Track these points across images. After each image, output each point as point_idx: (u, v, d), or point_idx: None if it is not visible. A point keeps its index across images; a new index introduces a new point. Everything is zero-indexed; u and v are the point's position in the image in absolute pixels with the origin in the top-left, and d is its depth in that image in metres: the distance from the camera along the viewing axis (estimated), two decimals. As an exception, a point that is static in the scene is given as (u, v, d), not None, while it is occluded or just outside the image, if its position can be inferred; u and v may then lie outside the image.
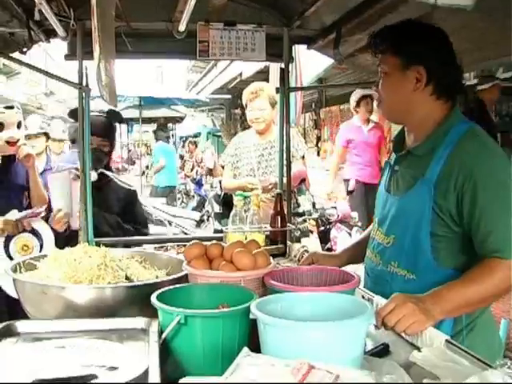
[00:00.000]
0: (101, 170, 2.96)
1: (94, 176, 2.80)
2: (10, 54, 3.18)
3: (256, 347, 1.24)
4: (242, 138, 4.19)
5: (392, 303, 1.55)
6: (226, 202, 4.30)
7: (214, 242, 1.81)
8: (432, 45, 1.80)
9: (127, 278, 1.77)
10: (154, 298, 1.43)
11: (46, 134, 4.92)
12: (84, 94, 3.03)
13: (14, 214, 2.62)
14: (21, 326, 1.47)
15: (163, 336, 1.34)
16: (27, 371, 1.17)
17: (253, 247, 1.81)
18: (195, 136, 17.79)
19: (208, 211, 6.09)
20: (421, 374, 1.35)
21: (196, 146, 14.97)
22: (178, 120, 15.24)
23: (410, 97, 1.82)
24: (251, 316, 1.28)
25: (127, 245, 2.79)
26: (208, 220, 7.84)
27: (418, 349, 1.48)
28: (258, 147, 3.98)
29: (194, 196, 11.08)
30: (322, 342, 1.19)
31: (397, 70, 1.82)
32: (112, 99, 2.28)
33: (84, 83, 3.03)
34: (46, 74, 3.19)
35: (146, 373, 1.13)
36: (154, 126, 16.46)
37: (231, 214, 3.45)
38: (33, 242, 2.49)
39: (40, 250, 2.49)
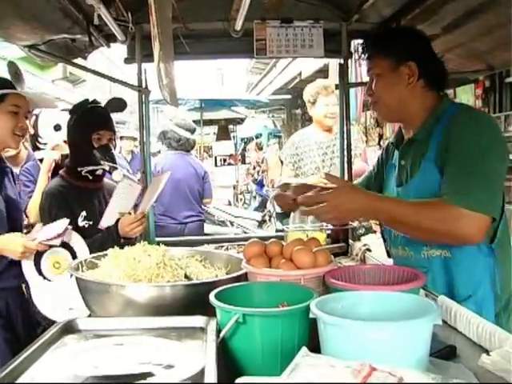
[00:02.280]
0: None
1: (119, 176, 2.53)
2: (73, 61, 3.28)
3: (315, 347, 1.20)
4: (302, 136, 4.13)
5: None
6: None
7: (274, 239, 1.78)
8: (416, 42, 1.95)
9: (186, 276, 1.76)
10: (212, 297, 1.41)
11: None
12: (144, 96, 3.09)
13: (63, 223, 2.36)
14: (82, 323, 1.49)
15: (221, 335, 1.32)
16: (85, 367, 1.17)
17: (313, 245, 1.77)
18: (256, 137, 17.84)
19: (270, 211, 6.07)
20: (490, 379, 1.27)
21: (261, 148, 14.97)
22: (239, 121, 15.31)
23: (405, 93, 1.93)
24: (311, 315, 1.24)
25: (188, 244, 2.79)
26: (270, 220, 7.83)
27: (487, 351, 1.40)
28: (320, 145, 3.92)
29: (255, 196, 11.10)
30: (385, 343, 1.13)
31: (389, 71, 1.93)
32: (173, 99, 2.31)
33: (143, 85, 3.08)
34: (107, 77, 3.25)
35: (202, 372, 1.11)
36: (215, 128, 16.66)
37: (292, 213, 3.41)
38: (65, 258, 2.29)
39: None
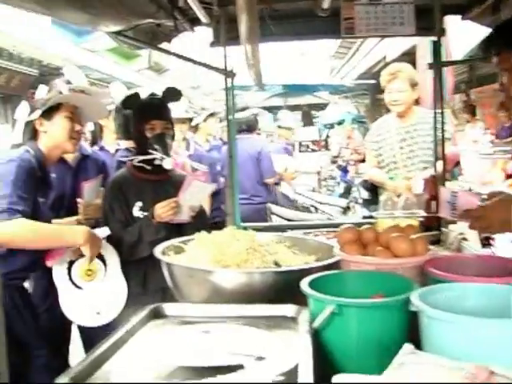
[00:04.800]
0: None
1: (169, 163, 2.52)
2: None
3: (414, 342, 1.09)
4: (382, 123, 3.95)
5: None
6: (375, 187, 4.08)
7: (368, 226, 1.67)
8: None
9: (275, 263, 1.69)
10: (304, 285, 1.33)
11: (190, 120, 5.02)
12: (230, 79, 3.04)
13: (104, 231, 2.44)
14: (168, 308, 1.45)
15: (314, 326, 1.23)
16: (172, 355, 1.13)
17: (410, 232, 1.65)
18: (339, 123, 17.53)
19: (355, 197, 5.89)
20: None
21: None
22: (322, 107, 15.10)
23: None
24: (412, 308, 1.13)
25: (272, 230, 2.72)
26: (354, 207, 7.64)
27: None
28: (399, 131, 3.72)
29: (339, 183, 10.90)
30: (497, 342, 1.02)
31: None
32: (259, 80, 2.25)
33: (229, 69, 3.03)
34: (192, 61, 3.22)
35: (296, 367, 1.04)
36: (298, 114, 16.51)
37: (382, 199, 3.26)
38: (97, 266, 2.30)
39: (105, 274, 2.33)
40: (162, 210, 2.38)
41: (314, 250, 1.93)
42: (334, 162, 12.67)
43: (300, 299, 1.36)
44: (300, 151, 13.10)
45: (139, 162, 2.55)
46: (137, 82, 10.81)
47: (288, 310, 1.39)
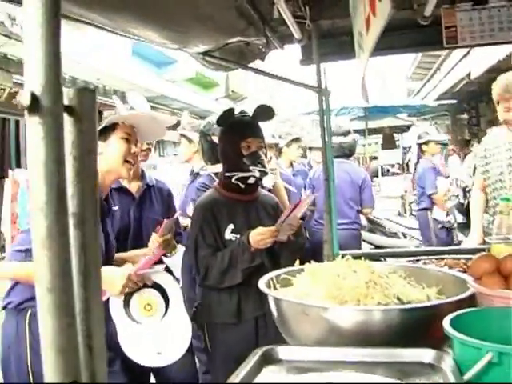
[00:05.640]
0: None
1: (270, 181, 2.45)
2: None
3: None
4: (492, 136, 3.64)
5: None
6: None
7: (508, 254, 1.43)
8: None
9: (398, 298, 1.47)
10: (447, 326, 1.11)
11: (276, 145, 4.92)
12: (323, 97, 2.88)
13: (127, 268, 2.19)
14: (283, 351, 1.26)
15: (466, 378, 1.01)
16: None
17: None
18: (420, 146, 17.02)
19: (449, 222, 5.56)
20: None
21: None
22: (404, 129, 14.66)
23: None
24: None
25: (372, 258, 2.49)
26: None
27: None
28: (509, 146, 3.40)
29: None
30: None
31: None
32: (364, 95, 2.13)
33: (323, 86, 2.88)
34: (284, 79, 3.10)
35: None
36: (379, 138, 16.14)
37: (495, 223, 2.96)
38: (157, 300, 2.13)
39: (166, 310, 2.15)
40: (261, 237, 2.24)
41: (433, 281, 1.69)
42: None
43: (431, 340, 1.14)
44: (382, 175, 12.73)
45: (236, 179, 2.44)
46: (215, 111, 10.93)
47: (425, 354, 1.18)
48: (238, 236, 2.36)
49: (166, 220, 2.38)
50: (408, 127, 14.34)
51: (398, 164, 13.67)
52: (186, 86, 15.68)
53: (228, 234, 2.40)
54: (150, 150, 3.04)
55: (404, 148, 17.42)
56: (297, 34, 2.71)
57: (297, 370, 1.18)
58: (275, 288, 1.61)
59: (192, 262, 2.40)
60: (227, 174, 2.47)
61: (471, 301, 1.40)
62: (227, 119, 2.53)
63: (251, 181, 2.44)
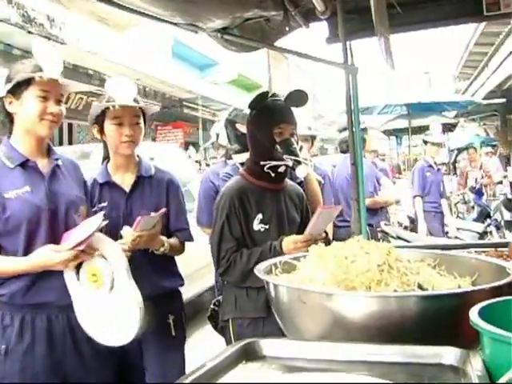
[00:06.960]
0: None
1: (303, 171, 2.24)
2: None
3: None
4: None
5: None
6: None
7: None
8: None
9: (419, 286, 1.21)
10: (475, 316, 0.85)
11: (313, 138, 4.70)
12: (350, 75, 2.65)
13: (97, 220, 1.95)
14: (267, 346, 1.03)
15: (500, 382, 0.76)
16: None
17: None
18: (466, 148, 16.49)
19: (496, 220, 5.17)
20: None
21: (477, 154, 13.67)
22: (450, 128, 14.12)
23: None
24: None
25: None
26: (492, 232, 6.82)
27: None
28: None
29: (473, 207, 10.00)
30: None
31: None
32: (389, 61, 1.93)
33: (349, 62, 2.65)
34: (310, 57, 2.92)
35: None
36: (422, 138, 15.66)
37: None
38: (102, 271, 1.92)
39: (113, 280, 1.94)
40: (295, 246, 2.07)
41: (468, 270, 1.43)
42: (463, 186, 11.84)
43: (460, 337, 0.90)
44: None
45: (268, 168, 2.27)
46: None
47: (446, 354, 0.92)
48: (267, 227, 2.23)
49: (141, 219, 2.12)
50: (454, 126, 13.82)
51: (444, 164, 13.20)
52: (228, 88, 15.63)
53: (256, 225, 2.25)
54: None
55: (451, 150, 16.97)
56: (319, 6, 2.48)
57: (282, 368, 0.94)
58: (276, 274, 1.37)
59: (213, 253, 2.25)
60: (261, 163, 2.29)
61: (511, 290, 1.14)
62: (259, 103, 2.34)
63: (282, 169, 2.29)
